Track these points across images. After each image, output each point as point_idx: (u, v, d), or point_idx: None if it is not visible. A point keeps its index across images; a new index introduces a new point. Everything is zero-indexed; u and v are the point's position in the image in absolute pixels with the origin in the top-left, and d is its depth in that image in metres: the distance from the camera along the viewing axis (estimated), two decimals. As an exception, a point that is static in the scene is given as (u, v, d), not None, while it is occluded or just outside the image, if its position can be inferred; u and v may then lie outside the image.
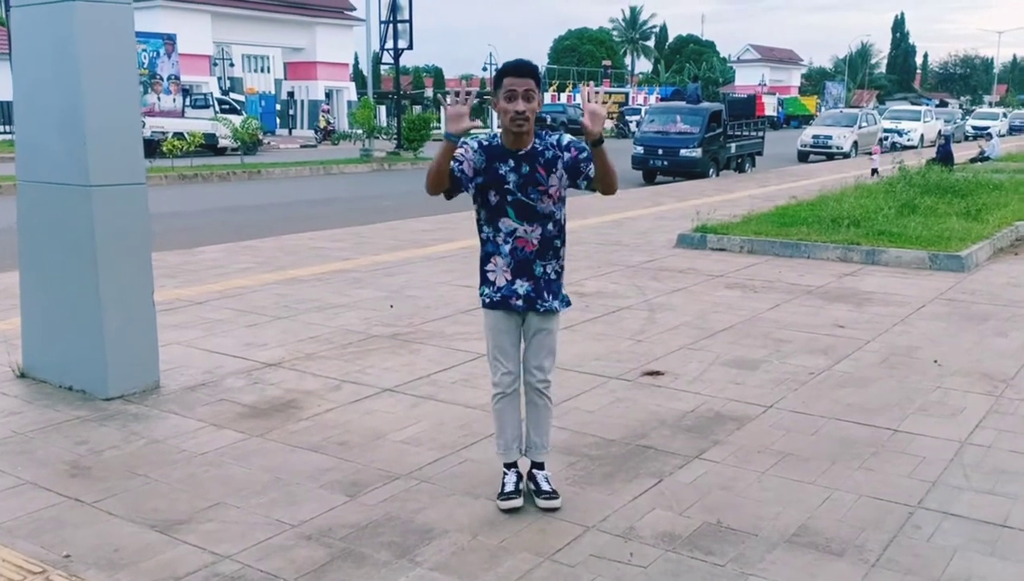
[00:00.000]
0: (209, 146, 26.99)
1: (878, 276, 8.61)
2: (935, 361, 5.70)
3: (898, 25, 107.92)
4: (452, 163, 3.46)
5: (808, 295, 7.75)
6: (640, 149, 21.39)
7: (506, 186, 3.52)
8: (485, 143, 3.56)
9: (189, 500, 3.65)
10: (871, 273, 8.77)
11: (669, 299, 7.58)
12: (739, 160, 22.97)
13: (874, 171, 21.14)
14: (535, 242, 3.57)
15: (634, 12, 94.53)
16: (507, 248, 3.59)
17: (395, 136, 30.01)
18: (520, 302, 3.60)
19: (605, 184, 3.53)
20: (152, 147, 24.54)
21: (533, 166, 3.50)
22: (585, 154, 3.49)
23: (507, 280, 3.61)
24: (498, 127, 3.60)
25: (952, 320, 6.84)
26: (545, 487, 3.68)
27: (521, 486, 3.70)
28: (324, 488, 3.77)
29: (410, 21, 29.51)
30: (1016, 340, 6.23)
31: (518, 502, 3.61)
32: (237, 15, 41.67)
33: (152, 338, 5.06)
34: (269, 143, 33.94)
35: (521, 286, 3.60)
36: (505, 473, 3.75)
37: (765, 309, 7.19)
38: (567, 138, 3.56)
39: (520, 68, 3.43)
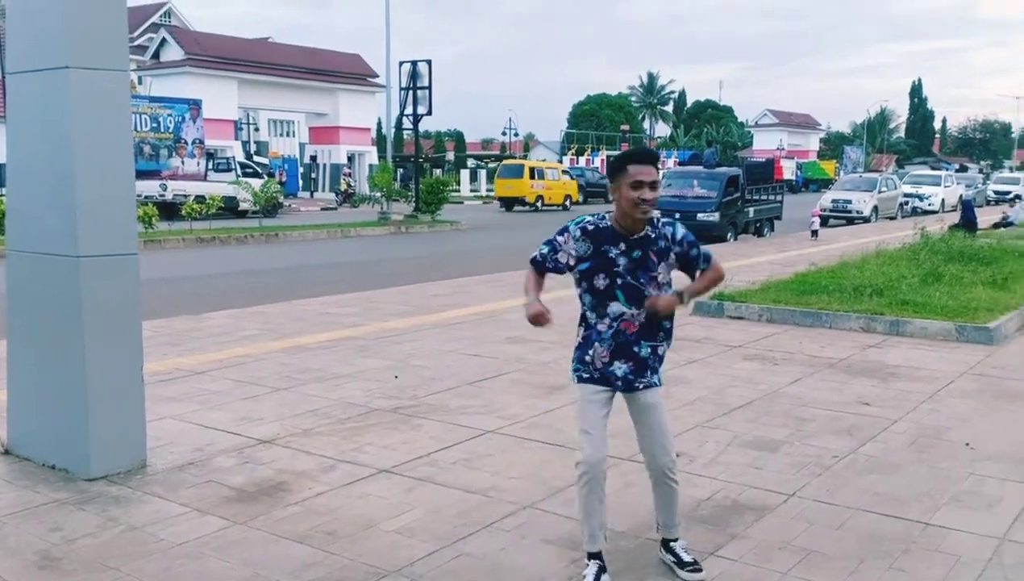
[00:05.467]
0: (230, 209, 27.17)
1: (903, 348, 8.28)
2: (967, 444, 5.36)
3: (916, 90, 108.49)
4: (547, 253, 3.57)
5: (831, 368, 7.43)
6: (657, 213, 21.21)
7: (616, 269, 3.47)
8: (591, 227, 3.52)
9: (159, 599, 3.37)
10: (896, 345, 8.45)
11: (684, 371, 7.28)
12: (757, 224, 22.76)
13: (814, 233, 20.90)
14: (638, 324, 3.51)
15: (652, 78, 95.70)
16: (610, 333, 3.52)
17: (413, 199, 30.13)
18: (620, 383, 3.54)
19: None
20: (172, 210, 24.81)
21: (646, 252, 3.48)
22: (696, 251, 3.55)
23: (604, 363, 3.53)
24: (607, 211, 3.57)
25: (983, 398, 6.50)
26: (687, 558, 3.64)
27: (604, 579, 3.47)
28: (306, 586, 3.49)
29: (429, 88, 29.83)
30: (1053, 421, 5.89)
31: None
32: (263, 81, 42.39)
33: (139, 416, 4.83)
34: (290, 206, 34.20)
35: (619, 367, 3.53)
36: (587, 564, 3.51)
37: (785, 383, 6.89)
38: (681, 231, 3.55)
39: (646, 156, 3.50)
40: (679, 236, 3.52)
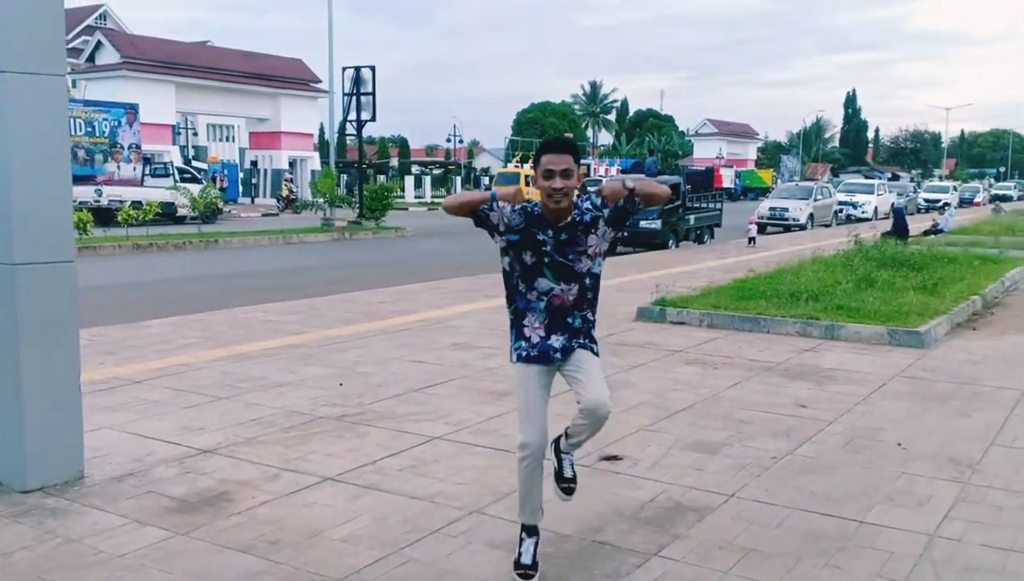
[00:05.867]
0: (168, 215, 26.68)
1: (838, 352, 8.51)
2: (899, 444, 5.54)
3: (850, 101, 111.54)
4: (482, 207, 3.55)
5: (768, 372, 7.60)
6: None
7: (544, 249, 3.53)
8: (529, 209, 3.56)
9: (99, 611, 3.31)
10: (831, 348, 8.68)
11: (628, 376, 7.38)
12: (698, 231, 23.16)
13: (751, 240, 21.45)
14: (571, 299, 3.60)
15: (595, 87, 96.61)
16: (542, 305, 3.61)
17: (357, 205, 29.93)
18: (558, 354, 3.61)
19: (655, 203, 3.60)
20: (108, 216, 24.25)
21: (573, 234, 3.52)
22: (621, 201, 3.52)
23: (541, 336, 3.60)
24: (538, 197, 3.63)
25: (914, 400, 6.72)
26: (567, 473, 3.77)
27: (539, 558, 3.64)
28: (251, 595, 3.46)
29: (373, 94, 29.72)
30: (979, 421, 6.11)
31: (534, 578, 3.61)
32: (202, 85, 41.75)
33: (77, 426, 4.73)
34: (230, 211, 33.70)
35: (556, 340, 3.60)
36: (523, 540, 3.67)
37: (725, 387, 7.03)
38: (594, 199, 3.58)
39: (558, 145, 3.49)
40: (599, 202, 3.55)
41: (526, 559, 3.63)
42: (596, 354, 3.68)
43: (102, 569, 3.67)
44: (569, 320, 3.61)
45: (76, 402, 4.73)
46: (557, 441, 3.81)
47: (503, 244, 3.58)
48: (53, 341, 4.56)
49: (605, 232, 3.56)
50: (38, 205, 4.44)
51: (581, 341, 3.64)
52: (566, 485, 3.78)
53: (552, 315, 3.59)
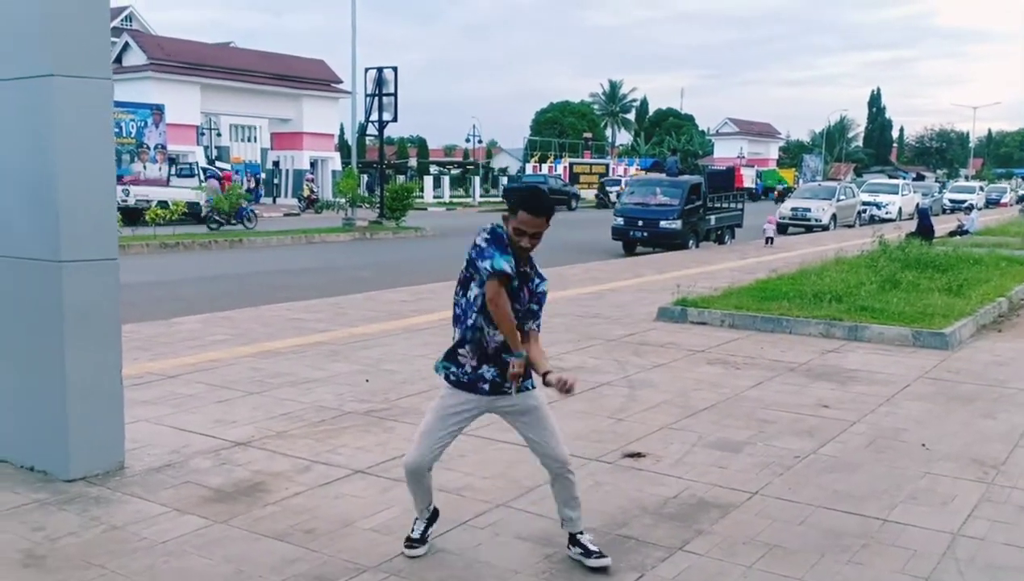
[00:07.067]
0: (193, 215, 26.95)
1: (861, 353, 8.54)
2: (923, 445, 5.59)
3: (875, 100, 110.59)
4: (510, 259, 3.56)
5: (791, 372, 7.65)
6: (620, 220, 21.53)
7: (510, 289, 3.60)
8: (509, 246, 3.59)
9: (145, 595, 3.44)
10: (854, 349, 8.71)
11: (650, 375, 7.46)
12: (719, 232, 23.11)
13: (768, 240, 21.39)
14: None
15: (614, 86, 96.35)
16: (492, 345, 3.66)
17: (378, 205, 30.10)
18: (486, 386, 3.69)
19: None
20: (136, 215, 24.56)
21: (523, 284, 3.63)
22: (537, 307, 3.71)
23: (473, 367, 3.69)
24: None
25: (938, 401, 6.75)
26: (593, 548, 3.79)
27: (428, 533, 3.90)
28: (289, 582, 3.58)
29: (395, 95, 29.86)
30: (1004, 422, 6.14)
31: (422, 550, 3.84)
32: (226, 87, 42.06)
33: (118, 418, 4.88)
34: (253, 211, 33.95)
35: (488, 371, 3.67)
36: (416, 519, 3.93)
37: (748, 387, 7.09)
38: (542, 286, 3.71)
39: (539, 209, 3.52)
40: (537, 291, 3.67)
41: (415, 533, 3.89)
42: (530, 388, 3.71)
43: (146, 554, 3.81)
44: (503, 356, 3.63)
45: (118, 395, 4.88)
46: (570, 537, 3.85)
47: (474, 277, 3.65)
48: (97, 336, 4.71)
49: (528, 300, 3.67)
50: (84, 205, 4.59)
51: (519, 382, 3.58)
52: (598, 556, 3.76)
53: (483, 350, 3.65)
